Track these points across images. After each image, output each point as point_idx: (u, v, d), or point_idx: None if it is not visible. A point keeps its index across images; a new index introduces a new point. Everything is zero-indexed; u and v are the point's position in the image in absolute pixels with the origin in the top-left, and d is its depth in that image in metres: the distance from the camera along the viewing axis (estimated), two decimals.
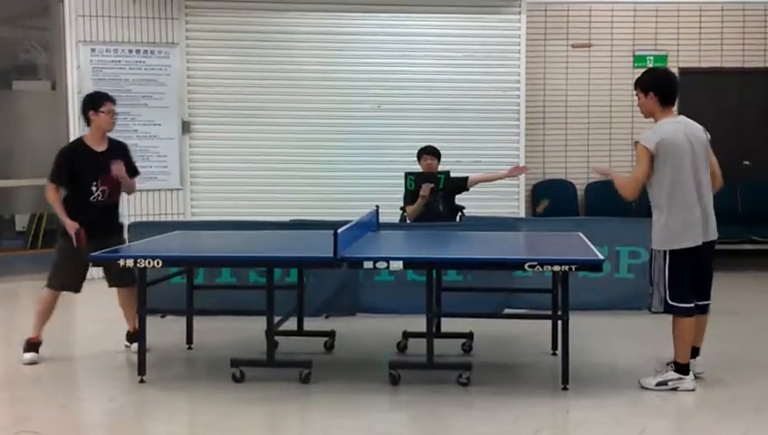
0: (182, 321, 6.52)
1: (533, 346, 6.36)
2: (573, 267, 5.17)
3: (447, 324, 6.25)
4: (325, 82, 10.08)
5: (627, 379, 5.54)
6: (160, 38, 9.79)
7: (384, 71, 10.10)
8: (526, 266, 5.16)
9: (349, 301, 7.54)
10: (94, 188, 6.15)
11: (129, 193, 6.71)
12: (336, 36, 10.14)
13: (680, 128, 5.32)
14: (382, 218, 6.95)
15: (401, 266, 5.31)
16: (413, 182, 7.74)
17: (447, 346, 6.07)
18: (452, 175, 7.77)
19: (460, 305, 6.49)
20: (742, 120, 10.79)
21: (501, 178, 8.36)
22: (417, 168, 7.99)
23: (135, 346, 6.20)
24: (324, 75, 10.08)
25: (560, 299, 5.42)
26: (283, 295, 6.18)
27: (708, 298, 5.43)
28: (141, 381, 5.50)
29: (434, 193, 7.72)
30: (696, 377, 5.38)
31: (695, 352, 5.47)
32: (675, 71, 10.49)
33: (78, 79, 9.54)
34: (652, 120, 5.50)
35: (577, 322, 5.56)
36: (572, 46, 10.76)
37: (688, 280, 5.26)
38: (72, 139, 8.11)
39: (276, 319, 5.66)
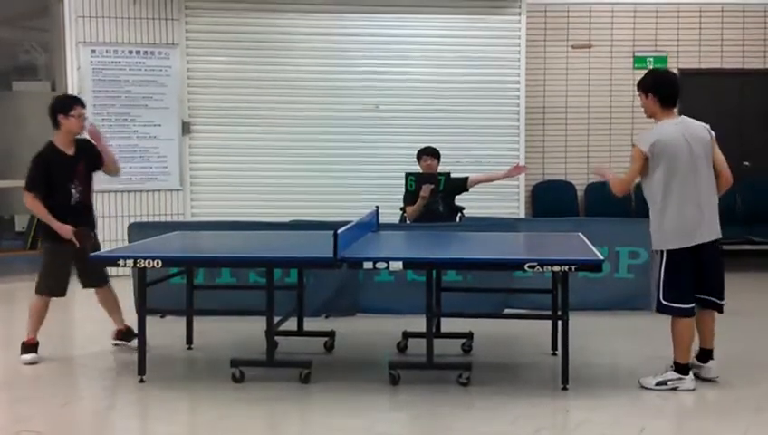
0: (182, 321, 6.52)
1: (533, 346, 6.36)
2: (573, 268, 5.17)
3: (447, 325, 6.25)
4: (325, 83, 10.08)
5: (626, 379, 5.54)
6: (160, 39, 9.79)
7: (384, 72, 10.11)
8: (526, 267, 5.16)
9: (349, 301, 7.54)
10: (74, 190, 6.17)
11: (114, 170, 6.56)
12: (336, 37, 10.15)
13: (678, 129, 5.32)
14: (382, 219, 6.95)
15: (401, 267, 5.31)
16: (413, 183, 7.75)
17: (447, 346, 6.07)
18: (452, 176, 7.78)
19: (460, 305, 6.48)
20: (742, 120, 10.79)
21: (500, 179, 8.36)
22: (417, 168, 7.99)
23: (131, 344, 6.31)
24: (324, 76, 10.09)
25: (560, 299, 5.42)
26: (283, 296, 6.19)
27: (722, 298, 5.38)
28: (141, 381, 5.50)
29: (434, 194, 7.72)
30: (711, 380, 5.37)
31: (707, 354, 5.46)
32: (675, 71, 10.51)
33: (78, 80, 9.55)
34: (654, 120, 5.49)
35: (577, 322, 5.56)
36: (572, 47, 10.77)
37: (685, 280, 5.26)
38: None
39: (276, 319, 5.66)
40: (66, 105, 6.27)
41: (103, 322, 6.79)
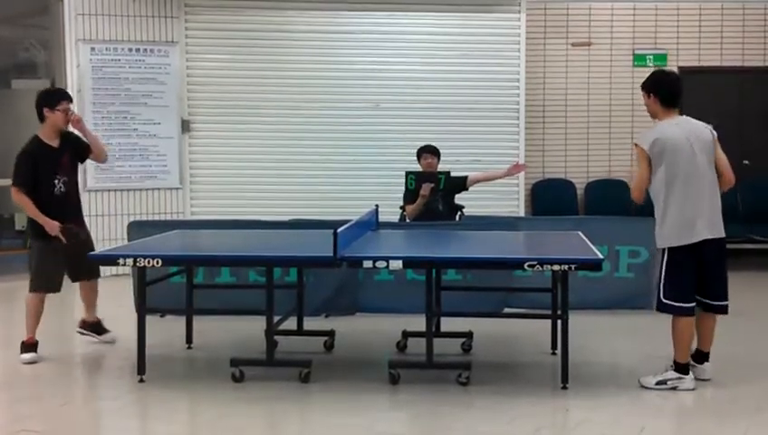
0: (182, 320, 6.52)
1: (533, 345, 6.36)
2: (573, 267, 5.17)
3: (447, 324, 6.24)
4: (325, 80, 10.07)
5: (626, 378, 5.54)
6: (160, 37, 9.78)
7: (383, 69, 10.11)
8: (526, 266, 5.16)
9: (348, 300, 7.53)
10: (57, 181, 6.19)
11: (102, 156, 6.60)
12: (336, 35, 10.15)
13: (679, 128, 5.32)
14: (382, 218, 6.94)
15: (401, 266, 5.31)
16: (414, 181, 7.74)
17: (447, 345, 6.07)
18: (452, 175, 7.77)
19: (460, 305, 6.49)
20: (742, 119, 10.78)
21: (500, 177, 8.36)
22: (417, 167, 7.98)
23: (102, 338, 6.50)
24: (324, 74, 10.08)
25: (559, 298, 5.42)
26: (283, 295, 6.19)
27: (724, 299, 5.38)
28: (141, 381, 5.49)
29: (434, 193, 7.72)
30: (704, 381, 5.38)
31: (703, 356, 5.46)
32: (674, 70, 10.50)
33: (78, 78, 9.54)
34: (656, 120, 5.49)
35: (576, 321, 5.56)
36: (572, 45, 10.76)
37: (686, 279, 5.25)
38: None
39: (276, 318, 5.66)
40: (52, 99, 6.29)
41: (103, 320, 6.79)
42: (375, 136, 10.09)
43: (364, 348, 6.55)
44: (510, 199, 10.09)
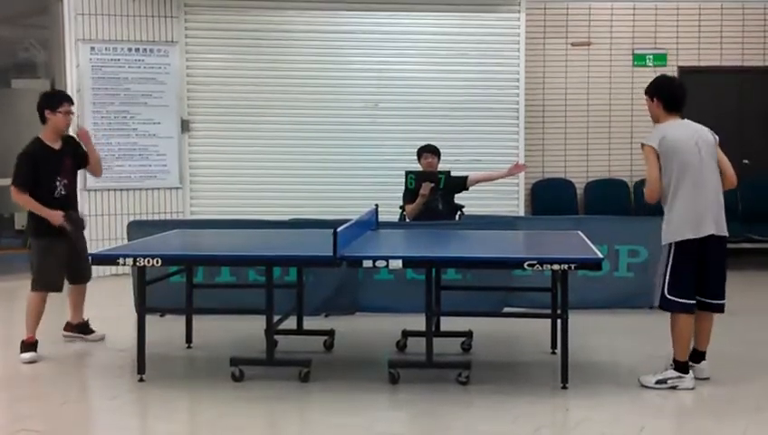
0: (181, 320, 6.52)
1: (533, 345, 6.36)
2: (573, 266, 5.17)
3: (447, 323, 6.24)
4: (324, 80, 10.07)
5: (626, 377, 5.54)
6: (160, 36, 9.78)
7: (383, 69, 10.11)
8: (525, 265, 5.17)
9: (348, 300, 7.53)
10: (58, 184, 6.22)
11: (97, 172, 6.69)
12: (335, 35, 10.14)
13: (683, 128, 5.38)
14: (381, 217, 6.94)
15: (401, 265, 5.31)
16: (414, 181, 7.74)
17: (447, 345, 6.07)
18: (452, 174, 7.77)
19: (459, 304, 6.49)
20: (741, 119, 10.79)
21: (500, 178, 8.36)
22: (417, 166, 7.98)
23: (89, 338, 6.56)
24: (323, 74, 10.08)
25: (559, 298, 5.42)
26: (283, 294, 6.18)
27: (722, 297, 5.39)
28: (141, 380, 5.49)
29: (434, 192, 7.72)
30: (701, 380, 5.38)
31: (700, 356, 5.47)
32: (674, 69, 10.53)
33: (77, 77, 9.54)
34: (658, 125, 5.51)
35: (576, 320, 5.56)
36: (572, 45, 10.76)
37: (690, 275, 5.26)
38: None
39: (276, 318, 5.66)
40: (53, 101, 6.32)
41: (103, 321, 6.81)
42: (375, 136, 10.09)
43: (364, 348, 6.55)
44: (510, 199, 10.09)
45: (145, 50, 9.74)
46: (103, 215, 9.53)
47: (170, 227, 7.16)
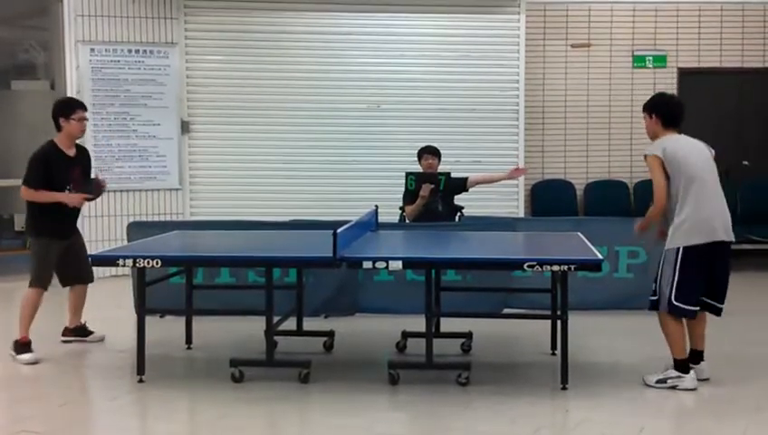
0: (181, 321, 6.52)
1: (533, 346, 6.36)
2: (572, 267, 5.18)
3: (447, 324, 6.25)
4: (324, 81, 10.08)
5: (626, 378, 5.54)
6: (159, 38, 9.79)
7: (383, 70, 10.11)
8: (525, 266, 5.17)
9: (348, 301, 7.53)
10: (67, 191, 6.25)
11: (91, 200, 6.76)
12: (335, 36, 10.15)
13: (683, 140, 5.44)
14: (381, 218, 6.94)
15: (400, 266, 5.31)
16: (414, 182, 7.74)
17: (447, 346, 6.07)
18: (452, 176, 7.77)
19: (459, 305, 6.50)
20: (741, 120, 10.80)
21: (500, 180, 8.36)
22: (417, 167, 7.99)
23: (89, 339, 6.56)
24: (323, 75, 10.09)
25: (559, 299, 5.42)
26: (283, 295, 6.19)
27: (722, 302, 5.41)
28: (141, 381, 5.49)
29: (434, 194, 7.72)
30: (702, 380, 5.38)
31: (698, 356, 5.47)
32: (674, 71, 10.55)
33: (77, 79, 9.54)
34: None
35: (576, 321, 5.57)
36: (572, 46, 10.77)
37: (696, 281, 5.27)
38: None
39: (275, 319, 5.66)
40: (68, 108, 6.35)
41: (103, 321, 6.81)
42: (375, 137, 10.10)
43: (364, 348, 6.55)
44: (509, 200, 10.09)
45: (145, 51, 9.74)
46: (103, 216, 9.52)
47: (170, 228, 7.15)
